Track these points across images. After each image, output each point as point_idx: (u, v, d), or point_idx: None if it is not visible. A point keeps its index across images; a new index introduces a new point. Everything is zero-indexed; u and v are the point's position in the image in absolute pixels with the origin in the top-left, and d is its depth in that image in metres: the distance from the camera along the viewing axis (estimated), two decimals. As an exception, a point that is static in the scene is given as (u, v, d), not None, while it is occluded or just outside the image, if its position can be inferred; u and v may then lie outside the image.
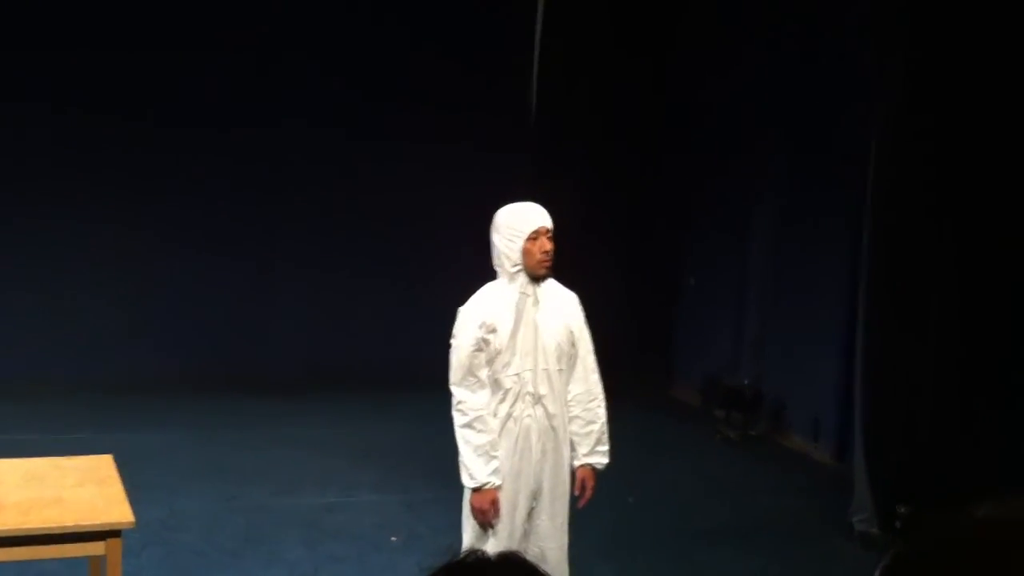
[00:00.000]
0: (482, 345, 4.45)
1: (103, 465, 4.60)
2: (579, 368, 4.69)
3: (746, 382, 9.79)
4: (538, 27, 11.37)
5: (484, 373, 4.48)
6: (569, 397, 4.66)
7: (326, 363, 11.07)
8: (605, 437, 4.72)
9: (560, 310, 4.63)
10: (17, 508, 4.02)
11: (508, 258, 4.49)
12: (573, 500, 4.71)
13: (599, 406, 4.72)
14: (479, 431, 4.43)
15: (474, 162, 11.23)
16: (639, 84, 11.41)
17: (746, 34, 10.34)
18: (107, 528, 3.93)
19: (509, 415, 4.50)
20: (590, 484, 4.70)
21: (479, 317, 4.47)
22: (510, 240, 4.47)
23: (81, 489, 4.27)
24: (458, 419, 4.49)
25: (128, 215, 10.84)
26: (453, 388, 4.51)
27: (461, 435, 4.47)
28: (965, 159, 6.85)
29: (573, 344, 4.65)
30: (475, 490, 4.45)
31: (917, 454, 6.95)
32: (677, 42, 11.25)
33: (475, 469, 4.42)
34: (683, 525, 7.29)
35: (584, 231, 9.52)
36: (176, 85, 10.90)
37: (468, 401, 4.46)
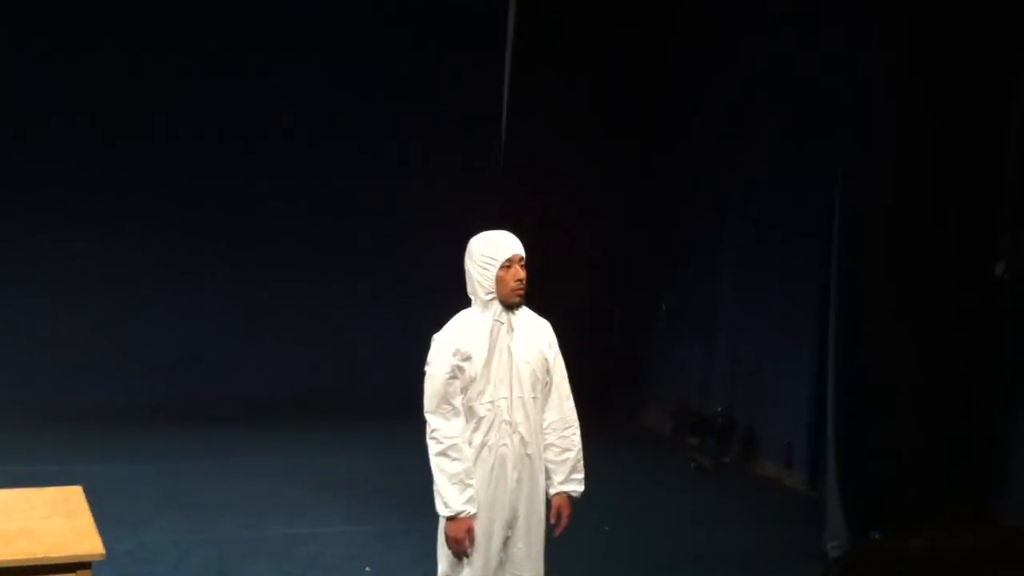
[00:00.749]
0: (456, 373, 4.42)
1: (72, 496, 4.53)
2: (553, 396, 4.67)
3: (719, 409, 9.80)
4: (507, 59, 11.41)
5: (459, 401, 4.44)
6: (544, 425, 4.64)
7: (291, 394, 11.01)
8: (580, 465, 4.70)
9: (534, 337, 4.61)
10: (-15, 540, 3.94)
11: (482, 286, 4.48)
12: (549, 528, 4.67)
13: (574, 433, 4.70)
14: (454, 459, 4.40)
15: (445, 191, 11.27)
16: (615, 103, 11.45)
17: (726, 56, 10.41)
18: (77, 560, 3.86)
19: (484, 443, 4.47)
20: (566, 512, 4.68)
21: (453, 345, 4.45)
22: (483, 268, 4.46)
23: (50, 521, 4.20)
24: (432, 447, 4.45)
25: (103, 242, 10.77)
26: (427, 416, 4.47)
27: (435, 463, 4.43)
28: (944, 175, 6.91)
29: (548, 371, 4.64)
30: (450, 519, 4.41)
31: (889, 479, 6.96)
32: (658, 62, 11.28)
33: (450, 497, 4.38)
34: (657, 554, 7.26)
35: (553, 254, 9.52)
36: (164, 106, 10.87)
37: (442, 429, 4.42)
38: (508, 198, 10.77)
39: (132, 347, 10.86)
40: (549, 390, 4.66)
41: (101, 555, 3.92)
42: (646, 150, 11.46)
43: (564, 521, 4.67)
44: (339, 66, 11.32)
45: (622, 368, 11.43)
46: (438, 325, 4.59)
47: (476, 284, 4.50)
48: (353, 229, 11.50)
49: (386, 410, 10.56)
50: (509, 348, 4.50)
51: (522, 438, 4.51)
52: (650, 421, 11.20)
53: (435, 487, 4.42)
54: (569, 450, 4.66)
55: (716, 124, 10.42)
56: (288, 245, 11.38)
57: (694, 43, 10.88)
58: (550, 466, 4.65)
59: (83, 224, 10.72)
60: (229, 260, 11.27)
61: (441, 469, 4.40)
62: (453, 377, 4.42)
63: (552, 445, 4.65)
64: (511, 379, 4.49)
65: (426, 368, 4.50)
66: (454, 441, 4.40)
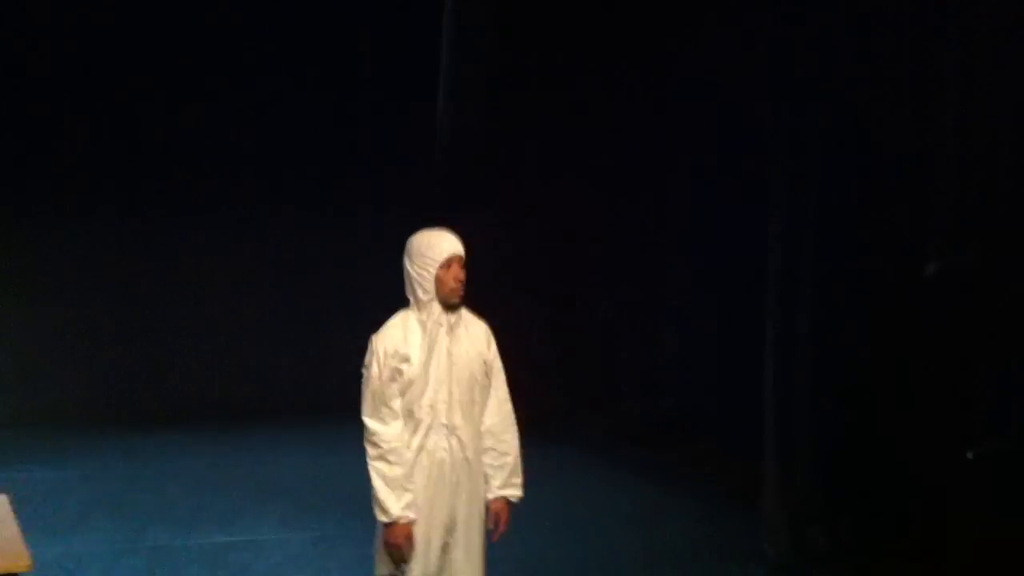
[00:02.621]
0: (395, 375, 4.35)
1: (-3, 506, 4.40)
2: (492, 399, 4.61)
3: (659, 406, 9.80)
4: (443, 54, 11.37)
5: (397, 403, 4.36)
6: (483, 428, 4.57)
7: (223, 395, 10.88)
8: (519, 469, 4.64)
9: (473, 339, 4.54)
10: (-97, 554, 3.81)
11: (420, 286, 4.40)
12: (488, 534, 4.61)
13: (513, 437, 4.64)
14: (392, 463, 4.32)
15: (384, 190, 11.21)
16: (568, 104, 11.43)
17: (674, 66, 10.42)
18: (2, 572, 3.74)
19: (422, 447, 4.40)
20: (504, 517, 4.61)
21: (391, 346, 4.37)
22: (422, 268, 4.39)
23: (-27, 532, 4.08)
24: (370, 451, 4.36)
25: (16, 248, 10.59)
26: (365, 419, 4.38)
27: (373, 468, 4.35)
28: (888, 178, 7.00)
29: (487, 374, 4.57)
30: (388, 525, 4.33)
31: (828, 473, 7.00)
32: (607, 72, 11.25)
33: (388, 503, 4.31)
34: (597, 558, 7.22)
35: (494, 258, 9.47)
36: (106, 106, 10.75)
37: (381, 432, 4.34)
38: (447, 202, 10.73)
39: (55, 352, 10.68)
40: (488, 393, 4.59)
41: (28, 566, 3.81)
42: (587, 155, 11.40)
43: (502, 527, 4.61)
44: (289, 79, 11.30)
45: (559, 368, 11.40)
46: (378, 325, 4.50)
47: (414, 284, 4.42)
48: (291, 229, 11.40)
49: (321, 413, 10.49)
50: (448, 350, 4.42)
51: (460, 441, 4.45)
52: (586, 421, 11.16)
53: (373, 492, 4.34)
54: (507, 454, 4.60)
55: (662, 125, 10.41)
56: (223, 246, 11.25)
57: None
58: (488, 471, 4.58)
59: (17, 221, 10.57)
60: (162, 263, 11.13)
61: (379, 474, 4.33)
62: (391, 379, 4.34)
63: (491, 449, 4.58)
64: (450, 381, 4.42)
65: (363, 370, 4.41)
66: (392, 445, 4.33)
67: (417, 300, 4.43)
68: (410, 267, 4.43)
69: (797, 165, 7.16)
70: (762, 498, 7.28)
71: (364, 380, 4.40)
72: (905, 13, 6.94)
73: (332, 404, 10.68)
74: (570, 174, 11.36)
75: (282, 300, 11.43)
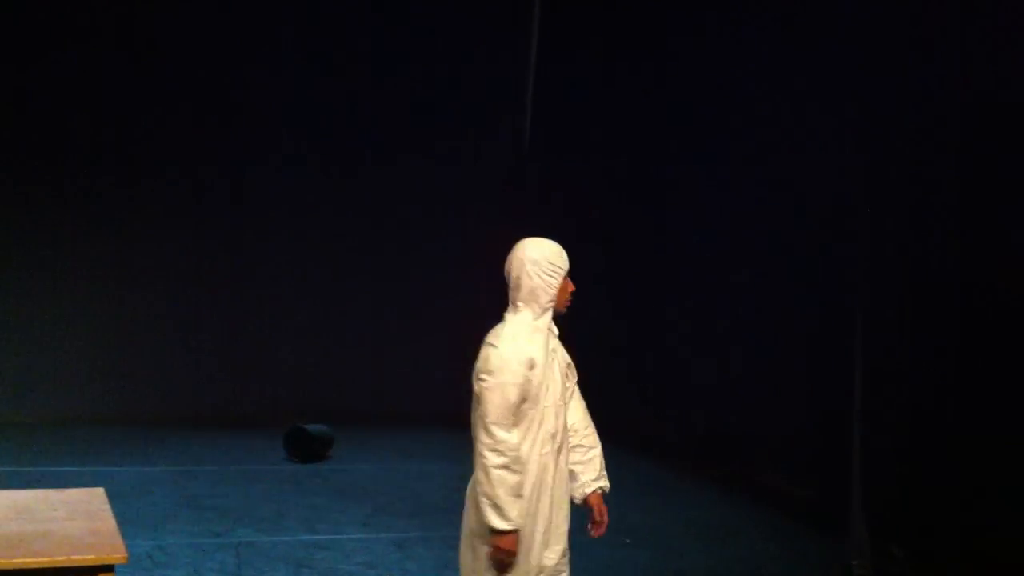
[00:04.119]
0: (527, 384, 4.35)
1: (94, 498, 4.50)
2: (573, 398, 4.63)
3: (730, 422, 9.71)
4: (531, 78, 11.46)
5: (518, 411, 4.36)
6: (568, 426, 4.58)
7: (310, 400, 10.99)
8: (603, 461, 4.65)
9: (559, 345, 4.57)
10: (5, 541, 3.91)
11: (546, 293, 4.38)
12: (574, 531, 4.58)
13: (594, 432, 4.65)
14: (515, 472, 4.25)
15: (465, 207, 11.32)
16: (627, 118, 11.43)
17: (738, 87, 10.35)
18: (99, 563, 3.82)
19: (529, 453, 4.39)
20: (604, 508, 4.57)
21: (523, 354, 4.31)
22: (551, 276, 4.39)
23: (71, 523, 4.17)
24: (494, 459, 4.25)
25: (115, 251, 10.80)
26: (492, 427, 4.25)
27: (497, 476, 4.25)
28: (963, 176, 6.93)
29: (569, 377, 4.60)
30: (505, 532, 4.26)
31: (912, 494, 6.91)
32: (668, 74, 11.23)
33: (510, 511, 4.23)
34: (674, 568, 7.18)
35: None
36: (153, 103, 10.92)
37: (507, 441, 4.25)
38: (520, 213, 10.80)
39: (144, 354, 10.89)
40: (571, 395, 4.62)
41: (123, 559, 3.89)
42: (658, 165, 11.38)
43: (605, 518, 4.56)
44: (347, 70, 11.41)
45: (632, 380, 11.34)
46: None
47: (538, 291, 4.39)
48: (370, 236, 11.52)
49: (403, 418, 10.59)
50: (553, 356, 4.46)
51: (558, 445, 4.46)
52: (659, 433, 11.07)
53: (492, 500, 4.24)
54: (594, 447, 4.59)
55: (722, 142, 10.31)
56: (305, 254, 11.41)
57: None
58: (577, 467, 4.54)
59: (97, 230, 10.78)
60: (241, 270, 11.30)
61: (502, 482, 4.23)
62: (524, 388, 4.34)
63: (578, 446, 4.55)
64: (556, 387, 4.45)
65: (488, 378, 4.28)
66: (516, 453, 4.26)
67: (541, 307, 4.41)
68: (536, 274, 4.39)
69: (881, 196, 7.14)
70: (848, 515, 7.20)
71: (493, 389, 4.28)
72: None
73: (411, 412, 10.84)
74: (636, 194, 11.39)
75: (370, 309, 11.53)
